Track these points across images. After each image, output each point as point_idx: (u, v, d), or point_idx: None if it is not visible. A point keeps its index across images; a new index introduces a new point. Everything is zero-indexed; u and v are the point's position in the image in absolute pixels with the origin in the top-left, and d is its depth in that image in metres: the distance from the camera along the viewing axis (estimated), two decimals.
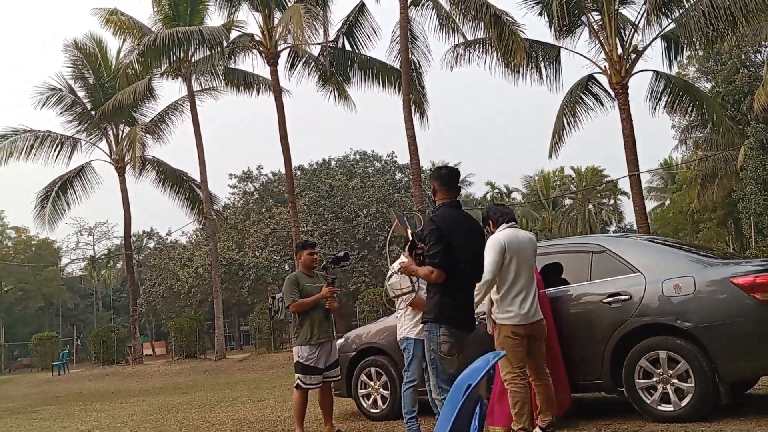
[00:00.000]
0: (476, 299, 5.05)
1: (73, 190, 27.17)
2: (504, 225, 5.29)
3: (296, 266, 6.68)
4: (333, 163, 43.47)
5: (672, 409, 5.35)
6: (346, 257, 6.36)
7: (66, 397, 17.59)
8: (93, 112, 26.44)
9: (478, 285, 5.07)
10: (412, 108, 18.87)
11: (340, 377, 6.57)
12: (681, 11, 16.14)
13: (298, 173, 40.09)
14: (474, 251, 4.64)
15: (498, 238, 5.18)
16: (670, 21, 16.44)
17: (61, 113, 26.64)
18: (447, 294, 4.48)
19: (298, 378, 6.22)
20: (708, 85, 31.77)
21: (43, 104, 26.03)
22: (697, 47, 18.79)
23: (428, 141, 73.39)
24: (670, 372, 5.36)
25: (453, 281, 4.47)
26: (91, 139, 27.45)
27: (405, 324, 5.90)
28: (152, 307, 47.08)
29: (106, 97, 25.78)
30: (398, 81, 19.86)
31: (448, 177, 4.71)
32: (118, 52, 26.90)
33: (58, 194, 26.79)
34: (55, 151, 26.44)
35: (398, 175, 42.60)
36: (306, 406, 6.29)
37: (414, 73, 19.90)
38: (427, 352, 4.60)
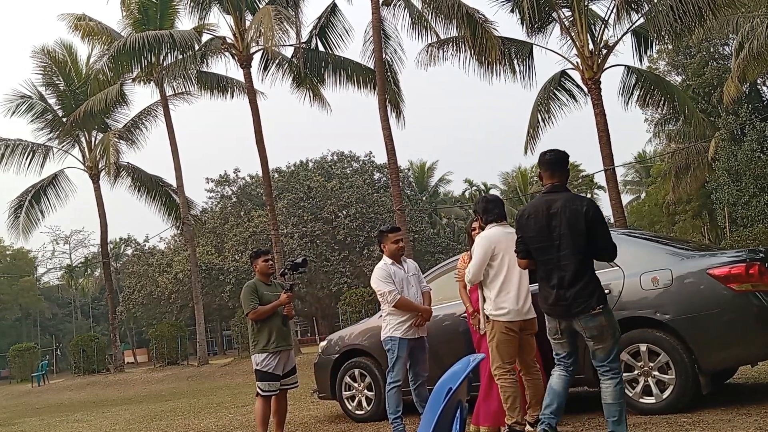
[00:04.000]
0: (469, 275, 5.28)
1: (46, 198, 26.85)
2: (493, 224, 5.32)
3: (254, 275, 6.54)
4: (311, 164, 43.34)
5: (654, 401, 5.43)
6: (304, 263, 6.28)
7: (46, 408, 17.36)
8: (64, 119, 26.10)
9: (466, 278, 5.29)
10: (388, 107, 18.85)
11: (297, 384, 6.47)
12: (649, 6, 16.33)
13: (276, 175, 39.89)
14: (556, 234, 4.34)
15: (485, 236, 5.23)
16: (639, 16, 16.64)
17: (31, 121, 26.34)
18: (538, 281, 4.58)
19: (258, 386, 6.17)
20: (678, 79, 32.19)
21: (13, 112, 25.72)
22: (666, 41, 19.04)
23: (406, 140, 73.64)
24: (651, 364, 5.43)
25: (538, 269, 4.55)
26: (63, 146, 27.12)
27: (391, 323, 5.86)
28: (132, 315, 46.59)
29: (77, 103, 25.47)
30: (373, 81, 19.83)
31: (548, 160, 4.52)
32: (88, 58, 26.59)
33: (31, 203, 26.44)
34: (26, 159, 26.15)
35: (377, 175, 42.60)
36: (269, 414, 6.23)
37: (388, 73, 19.89)
38: None
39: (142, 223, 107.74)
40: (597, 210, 4.36)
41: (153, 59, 21.91)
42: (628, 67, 17.79)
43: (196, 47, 21.31)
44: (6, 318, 57.22)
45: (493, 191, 56.13)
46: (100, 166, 26.39)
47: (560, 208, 4.35)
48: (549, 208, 4.39)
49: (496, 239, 5.20)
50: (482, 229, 5.39)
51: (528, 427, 5.26)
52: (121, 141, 25.83)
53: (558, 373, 4.66)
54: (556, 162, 4.51)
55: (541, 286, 4.59)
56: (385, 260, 6.03)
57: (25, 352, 31.75)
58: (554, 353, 4.70)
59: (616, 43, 17.05)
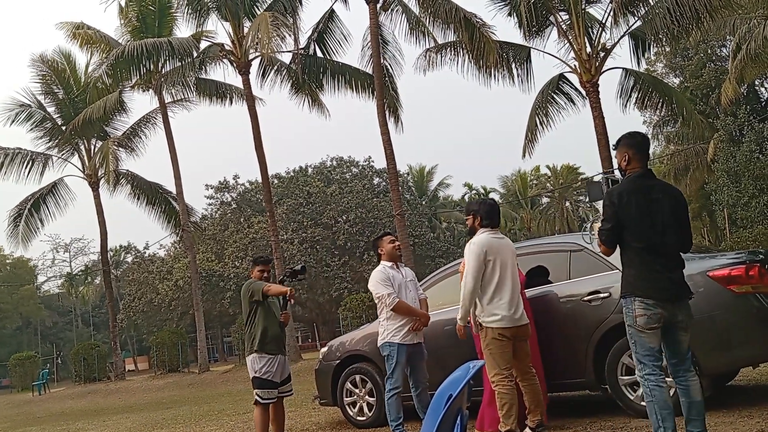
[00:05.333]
0: (460, 310, 5.13)
1: (46, 207, 26.85)
2: (487, 229, 5.34)
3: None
4: (310, 170, 43.34)
5: None
6: (302, 270, 6.31)
7: (48, 417, 17.33)
8: (63, 128, 26.11)
9: (462, 293, 5.12)
10: (387, 112, 18.88)
11: (292, 392, 6.51)
12: (646, 9, 16.36)
13: (275, 181, 39.89)
14: (658, 220, 4.19)
15: (476, 243, 5.24)
16: (636, 19, 16.66)
17: (30, 129, 26.34)
18: (631, 267, 4.30)
19: (257, 393, 6.17)
20: (676, 80, 32.23)
21: (12, 121, 25.72)
22: (664, 44, 19.05)
23: (405, 144, 73.67)
24: None
25: (633, 254, 4.27)
26: (62, 154, 27.13)
27: (389, 328, 5.81)
28: (133, 322, 46.51)
29: (76, 111, 25.48)
30: (371, 86, 19.87)
31: (640, 143, 4.36)
32: (87, 66, 26.63)
33: (31, 212, 26.44)
34: (26, 168, 26.17)
35: (376, 180, 42.60)
36: (268, 422, 6.24)
37: (387, 78, 19.94)
38: (626, 327, 4.37)
39: (142, 231, 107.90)
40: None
41: (151, 67, 21.98)
42: (626, 70, 17.82)
43: (195, 54, 21.35)
44: (6, 327, 57.14)
45: (492, 195, 56.20)
46: (99, 173, 26.39)
47: (661, 194, 4.26)
48: (648, 192, 4.24)
49: (487, 244, 5.23)
50: (473, 228, 5.41)
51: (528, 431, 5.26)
52: (120, 149, 25.84)
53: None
54: (646, 146, 4.39)
55: (639, 269, 4.23)
56: (384, 264, 6.02)
57: (26, 361, 31.69)
58: (648, 350, 4.17)
59: (614, 46, 17.09)
